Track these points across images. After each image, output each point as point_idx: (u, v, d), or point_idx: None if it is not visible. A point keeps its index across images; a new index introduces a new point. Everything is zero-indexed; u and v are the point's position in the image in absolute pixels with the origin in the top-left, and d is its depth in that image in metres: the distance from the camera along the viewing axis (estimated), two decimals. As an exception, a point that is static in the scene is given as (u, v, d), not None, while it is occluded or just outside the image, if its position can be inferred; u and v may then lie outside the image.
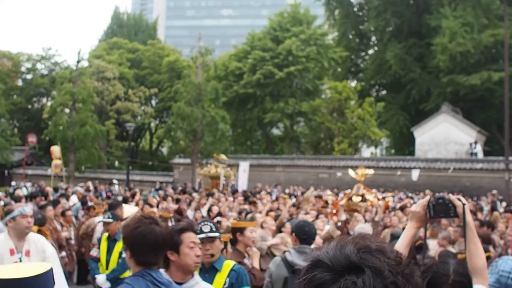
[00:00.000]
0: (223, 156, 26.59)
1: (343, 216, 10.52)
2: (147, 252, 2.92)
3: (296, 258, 4.68)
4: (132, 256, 2.97)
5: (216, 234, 4.13)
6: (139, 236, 2.93)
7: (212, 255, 4.09)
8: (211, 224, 4.19)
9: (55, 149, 27.69)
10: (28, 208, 4.85)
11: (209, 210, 11.31)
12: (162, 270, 3.10)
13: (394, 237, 7.35)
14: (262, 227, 8.89)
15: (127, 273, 6.40)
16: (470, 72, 32.74)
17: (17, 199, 12.09)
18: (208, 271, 4.07)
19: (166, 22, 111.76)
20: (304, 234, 4.91)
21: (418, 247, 6.62)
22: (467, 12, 32.48)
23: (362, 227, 8.28)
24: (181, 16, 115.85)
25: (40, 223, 7.61)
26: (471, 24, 32.30)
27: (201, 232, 4.11)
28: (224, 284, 3.98)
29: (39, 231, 7.15)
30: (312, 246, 5.02)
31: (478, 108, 34.23)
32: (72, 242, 10.05)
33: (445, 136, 30.78)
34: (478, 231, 8.87)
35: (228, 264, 4.10)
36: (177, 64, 43.19)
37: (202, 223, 4.23)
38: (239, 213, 10.52)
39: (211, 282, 3.96)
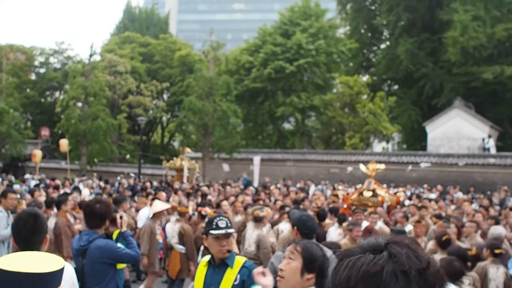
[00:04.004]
0: (188, 150, 26.84)
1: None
2: (87, 218, 4.95)
3: None
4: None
5: (232, 230, 4.07)
6: (84, 209, 5.14)
7: (229, 251, 4.04)
8: (227, 220, 4.10)
9: (63, 143, 28.04)
10: None
11: (218, 206, 11.34)
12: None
13: (396, 233, 7.35)
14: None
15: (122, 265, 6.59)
16: (483, 65, 32.46)
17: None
18: (219, 266, 4.01)
19: (178, 16, 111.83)
20: (306, 229, 4.84)
21: (445, 242, 6.61)
22: (477, 6, 32.16)
23: (495, 228, 8.23)
24: (193, 10, 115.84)
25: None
26: (482, 18, 31.98)
27: (217, 227, 4.04)
28: (235, 281, 3.92)
29: None
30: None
31: (490, 103, 33.94)
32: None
33: (458, 131, 30.57)
34: (485, 229, 8.84)
35: (239, 261, 4.03)
36: (188, 58, 43.25)
37: (218, 218, 4.12)
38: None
39: (221, 277, 3.94)
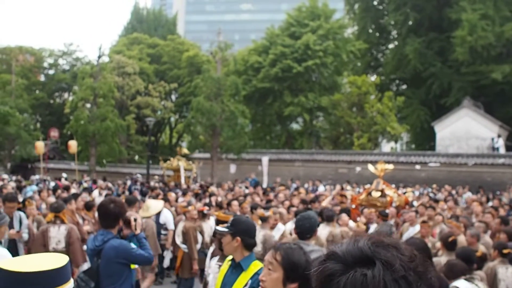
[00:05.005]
0: (185, 150, 26.96)
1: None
2: (101, 219, 5.00)
3: None
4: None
5: (221, 229, 4.13)
6: (98, 209, 5.17)
7: (221, 249, 4.18)
8: (229, 220, 4.22)
9: (72, 144, 28.25)
10: None
11: (228, 204, 11.34)
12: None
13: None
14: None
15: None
16: (491, 65, 32.28)
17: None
18: (236, 267, 4.03)
19: (185, 17, 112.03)
20: (297, 227, 4.94)
21: (452, 243, 6.59)
22: (487, 5, 32.00)
23: None
24: (201, 11, 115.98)
25: (55, 210, 8.01)
26: (491, 16, 31.82)
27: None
28: (245, 286, 3.88)
29: (56, 217, 7.90)
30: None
31: (499, 103, 33.78)
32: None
33: (466, 131, 30.44)
34: (499, 228, 8.81)
35: (256, 266, 4.00)
36: (196, 59, 43.32)
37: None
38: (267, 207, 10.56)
39: (235, 279, 3.95)
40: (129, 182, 23.89)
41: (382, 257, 1.18)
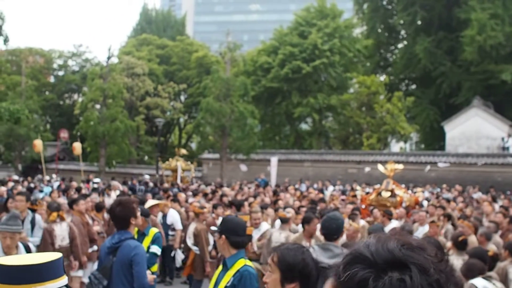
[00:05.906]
0: (183, 151, 27.11)
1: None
2: (113, 222, 5.18)
3: (320, 255, 4.57)
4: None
5: (212, 228, 4.37)
6: (108, 212, 5.27)
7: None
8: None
9: (77, 146, 28.48)
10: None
11: (238, 207, 11.33)
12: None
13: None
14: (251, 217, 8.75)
15: (155, 267, 6.61)
16: (501, 64, 32.05)
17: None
18: (224, 265, 4.10)
19: (194, 18, 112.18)
20: (324, 229, 4.92)
21: (462, 243, 6.57)
22: (496, 4, 31.79)
23: None
24: (209, 12, 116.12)
25: (56, 209, 8.31)
26: (501, 16, 31.62)
27: None
28: (228, 282, 3.92)
29: (58, 216, 8.22)
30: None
31: (509, 102, 33.54)
32: (104, 236, 10.20)
33: (476, 130, 30.25)
34: (508, 228, 8.77)
35: (240, 263, 4.03)
36: (205, 59, 43.37)
37: None
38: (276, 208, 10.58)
39: (222, 277, 4.02)
40: (129, 183, 24.16)
41: (415, 261, 1.12)
